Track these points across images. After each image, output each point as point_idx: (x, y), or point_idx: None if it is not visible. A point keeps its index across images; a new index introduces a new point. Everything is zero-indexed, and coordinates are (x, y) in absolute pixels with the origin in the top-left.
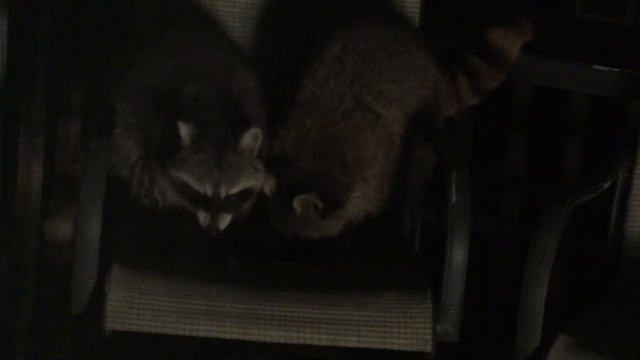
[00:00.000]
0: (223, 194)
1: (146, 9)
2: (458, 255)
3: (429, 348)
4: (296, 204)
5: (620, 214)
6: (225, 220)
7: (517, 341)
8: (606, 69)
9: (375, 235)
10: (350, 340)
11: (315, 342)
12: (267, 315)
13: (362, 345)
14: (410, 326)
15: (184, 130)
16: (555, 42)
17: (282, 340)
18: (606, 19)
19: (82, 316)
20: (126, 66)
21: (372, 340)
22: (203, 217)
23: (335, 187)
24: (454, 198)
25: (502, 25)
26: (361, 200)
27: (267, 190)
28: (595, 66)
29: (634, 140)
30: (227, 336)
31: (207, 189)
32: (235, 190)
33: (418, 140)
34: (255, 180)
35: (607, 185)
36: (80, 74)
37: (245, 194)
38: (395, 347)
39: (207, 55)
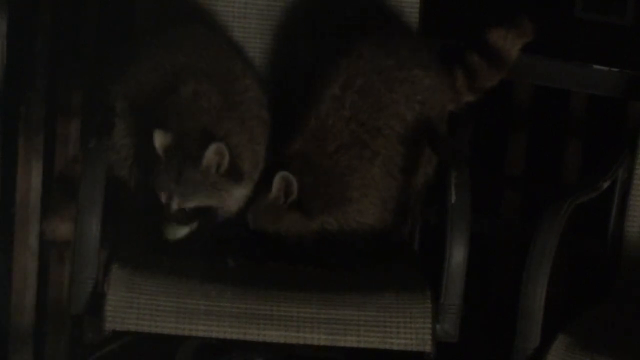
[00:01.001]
0: (174, 206)
1: (146, 9)
2: (458, 255)
3: (428, 348)
4: (277, 179)
5: (620, 214)
6: (176, 232)
7: (517, 341)
8: (606, 69)
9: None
10: (350, 340)
11: (315, 342)
12: (267, 315)
13: (361, 345)
14: (409, 326)
15: (158, 141)
16: (555, 42)
17: (282, 340)
18: (606, 19)
19: (82, 316)
20: (127, 64)
21: (371, 340)
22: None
23: (313, 199)
24: (453, 198)
25: (502, 26)
26: (340, 227)
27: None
28: (595, 66)
29: (634, 140)
30: (227, 336)
31: (162, 197)
32: (188, 205)
33: (421, 148)
34: (214, 200)
35: (606, 185)
36: (80, 74)
37: (201, 210)
38: (395, 347)
39: (211, 58)
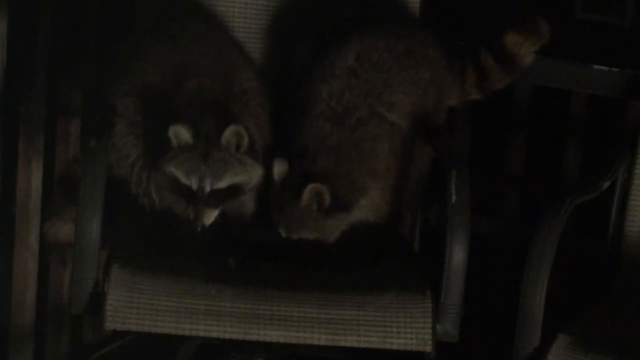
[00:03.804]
0: (208, 188)
1: (146, 9)
2: (458, 255)
3: (428, 348)
4: (306, 194)
5: (620, 214)
6: (210, 216)
7: (517, 341)
8: (606, 69)
9: (375, 236)
10: (349, 340)
11: (315, 342)
12: (267, 315)
13: (361, 345)
14: (410, 326)
15: (173, 134)
16: (555, 42)
17: (282, 340)
18: (606, 19)
19: (82, 316)
20: (128, 62)
21: (371, 340)
22: (189, 212)
23: (348, 190)
24: (453, 198)
25: (518, 30)
26: (367, 209)
27: (276, 175)
28: (595, 66)
29: (634, 140)
30: (227, 336)
31: (193, 183)
32: (220, 185)
33: (418, 140)
34: (244, 175)
35: (607, 185)
36: (80, 74)
37: (232, 189)
38: (395, 347)
39: (211, 51)
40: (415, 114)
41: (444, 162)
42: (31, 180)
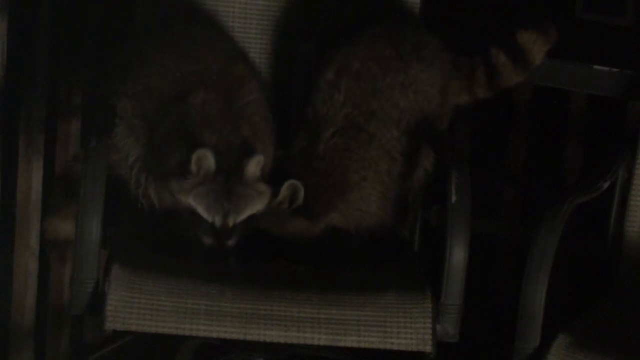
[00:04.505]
0: (230, 224)
1: (146, 9)
2: (458, 255)
3: (428, 348)
4: (285, 187)
5: (620, 214)
6: (230, 243)
7: (517, 341)
8: (606, 69)
9: (376, 236)
10: (350, 340)
11: (315, 342)
12: (267, 315)
13: (361, 345)
14: (410, 326)
15: (196, 157)
16: (555, 42)
17: (282, 340)
18: (606, 19)
19: (82, 316)
20: (130, 64)
21: (372, 340)
22: (208, 241)
23: (316, 201)
24: (454, 198)
25: (531, 28)
26: (345, 219)
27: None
28: (595, 66)
29: (634, 140)
30: (227, 336)
31: (216, 220)
32: (241, 218)
33: (418, 140)
34: (260, 204)
35: (606, 185)
36: (80, 74)
37: (250, 217)
38: (395, 347)
39: (215, 61)
40: (411, 117)
41: (444, 162)
42: (31, 180)
